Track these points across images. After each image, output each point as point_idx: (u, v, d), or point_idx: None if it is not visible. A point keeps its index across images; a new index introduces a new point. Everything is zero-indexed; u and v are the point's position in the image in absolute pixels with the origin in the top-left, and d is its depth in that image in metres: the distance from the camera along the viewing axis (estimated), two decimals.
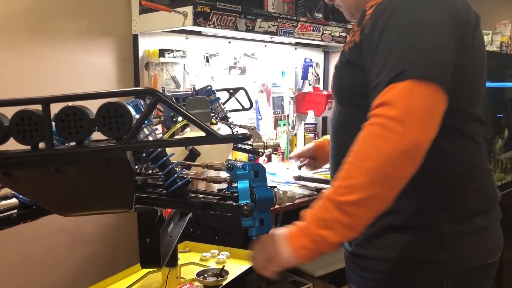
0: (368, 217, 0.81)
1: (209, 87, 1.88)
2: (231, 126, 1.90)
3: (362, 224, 0.81)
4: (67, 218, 1.77)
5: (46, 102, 0.45)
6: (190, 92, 1.90)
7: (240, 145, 1.61)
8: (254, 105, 2.23)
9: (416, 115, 0.78)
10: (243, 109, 2.18)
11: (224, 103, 2.01)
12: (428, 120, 0.80)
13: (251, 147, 1.61)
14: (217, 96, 1.90)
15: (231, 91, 2.04)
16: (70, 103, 0.47)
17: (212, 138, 0.46)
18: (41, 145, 0.48)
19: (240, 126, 1.95)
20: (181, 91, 2.03)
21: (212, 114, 1.89)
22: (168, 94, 1.92)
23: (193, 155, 0.97)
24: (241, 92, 2.00)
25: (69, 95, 0.46)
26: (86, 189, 0.54)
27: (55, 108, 0.48)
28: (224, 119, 1.88)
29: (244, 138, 0.48)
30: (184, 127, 1.42)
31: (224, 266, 1.54)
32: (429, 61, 0.82)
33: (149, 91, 0.47)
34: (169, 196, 0.59)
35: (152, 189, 0.64)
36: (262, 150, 1.58)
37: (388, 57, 0.83)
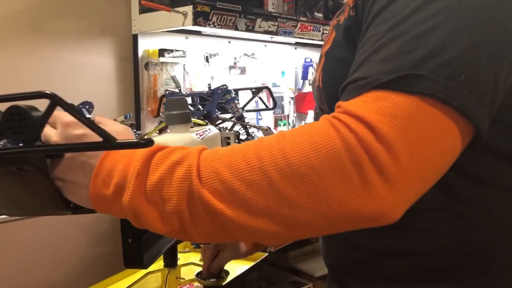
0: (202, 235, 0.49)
1: (225, 86, 1.88)
2: (247, 126, 1.91)
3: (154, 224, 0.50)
4: (68, 219, 1.77)
5: None
6: (206, 91, 1.91)
7: None
8: (254, 104, 2.23)
9: (414, 174, 0.46)
10: (267, 108, 2.17)
11: (247, 103, 2.01)
12: (425, 182, 0.48)
13: None
14: (233, 95, 1.91)
15: (254, 90, 2.04)
16: None
17: (108, 144, 0.47)
18: None
19: (254, 127, 1.96)
20: (196, 91, 2.04)
21: (226, 115, 1.90)
22: (184, 93, 1.93)
23: None
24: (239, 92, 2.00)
25: None
26: (12, 193, 0.55)
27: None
28: (240, 119, 1.89)
29: (146, 144, 0.47)
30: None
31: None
32: (472, 73, 0.47)
33: (44, 94, 0.47)
34: None
35: None
36: None
37: (402, 32, 0.48)
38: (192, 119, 1.00)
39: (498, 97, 0.50)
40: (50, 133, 0.55)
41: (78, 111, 0.47)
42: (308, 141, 0.46)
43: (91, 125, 0.47)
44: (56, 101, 0.46)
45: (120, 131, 0.56)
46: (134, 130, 1.62)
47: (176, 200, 0.48)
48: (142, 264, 0.81)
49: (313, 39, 2.29)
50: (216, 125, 1.80)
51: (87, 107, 0.70)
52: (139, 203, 0.49)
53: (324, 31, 2.31)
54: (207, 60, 2.22)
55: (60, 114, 0.53)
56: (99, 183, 0.51)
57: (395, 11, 0.50)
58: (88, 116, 0.56)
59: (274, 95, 2.03)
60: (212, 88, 1.91)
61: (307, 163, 0.45)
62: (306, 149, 0.45)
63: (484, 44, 0.48)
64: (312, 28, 2.25)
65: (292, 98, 2.68)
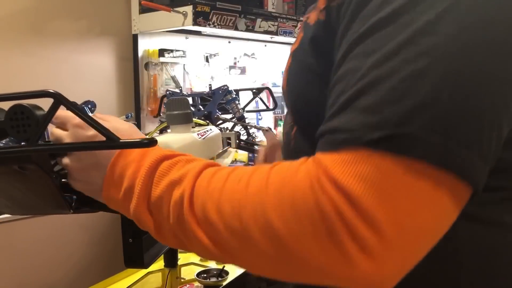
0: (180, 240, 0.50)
1: (226, 86, 1.88)
2: (248, 126, 1.91)
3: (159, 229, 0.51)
4: (68, 219, 1.77)
5: None
6: (207, 91, 1.92)
7: (256, 147, 1.62)
8: (254, 104, 2.23)
9: (403, 250, 0.41)
10: (268, 109, 2.18)
11: (248, 103, 2.01)
12: (416, 254, 0.43)
13: None
14: (234, 95, 1.91)
15: (255, 91, 2.05)
16: None
17: (111, 143, 0.47)
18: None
19: (255, 127, 1.96)
20: (197, 91, 2.04)
21: (227, 115, 1.90)
22: (185, 94, 1.93)
23: None
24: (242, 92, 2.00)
25: None
26: (14, 192, 0.55)
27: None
28: (241, 120, 1.89)
29: (149, 143, 0.48)
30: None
31: (224, 266, 1.54)
32: (473, 126, 0.40)
33: (48, 93, 0.47)
34: None
35: None
36: None
37: (388, 74, 0.41)
38: (194, 119, 1.00)
39: (501, 143, 0.43)
40: (62, 135, 0.55)
41: (82, 110, 0.47)
42: (289, 201, 0.42)
43: (95, 124, 0.47)
44: (59, 100, 0.46)
45: (125, 128, 0.57)
46: None
47: (172, 220, 0.49)
48: (143, 264, 0.81)
49: None
50: (217, 126, 1.80)
51: (89, 106, 0.70)
52: (142, 213, 0.50)
53: None
54: (207, 60, 2.22)
55: (69, 115, 0.54)
56: (111, 187, 0.53)
57: (381, 41, 0.42)
58: (90, 115, 0.56)
59: (274, 95, 2.04)
60: (213, 88, 1.91)
61: (287, 226, 0.42)
62: (286, 211, 0.42)
63: (489, 88, 0.40)
64: None
65: None
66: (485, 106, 0.40)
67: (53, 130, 0.57)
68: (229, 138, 1.53)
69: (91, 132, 0.53)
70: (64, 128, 0.56)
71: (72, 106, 0.47)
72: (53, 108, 0.47)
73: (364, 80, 0.42)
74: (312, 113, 0.49)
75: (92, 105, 0.70)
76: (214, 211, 0.46)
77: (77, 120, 0.54)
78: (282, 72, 0.64)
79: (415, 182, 0.40)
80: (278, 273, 0.45)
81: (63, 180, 0.58)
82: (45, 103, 0.50)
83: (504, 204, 0.50)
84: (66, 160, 0.55)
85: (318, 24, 0.52)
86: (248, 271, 0.48)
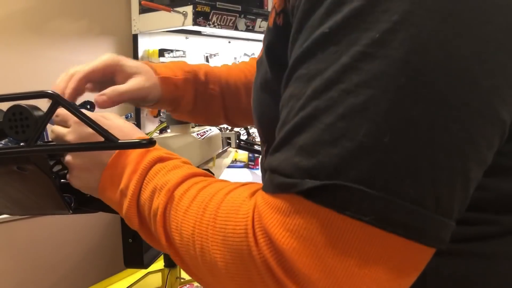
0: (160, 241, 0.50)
1: None
2: (248, 126, 1.90)
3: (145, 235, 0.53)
4: (68, 219, 1.77)
5: None
6: None
7: (256, 147, 1.62)
8: None
9: None
10: None
11: None
12: None
13: None
14: None
15: None
16: None
17: (110, 144, 0.47)
18: None
19: (253, 127, 1.96)
20: None
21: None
22: None
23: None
24: None
25: None
26: (14, 192, 0.56)
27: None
28: None
29: (148, 144, 0.48)
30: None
31: None
32: (426, 174, 0.33)
33: (46, 94, 0.48)
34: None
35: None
36: None
37: (327, 106, 0.35)
38: None
39: (471, 186, 0.35)
40: (63, 132, 0.55)
41: (80, 111, 0.47)
42: (229, 246, 0.40)
43: (93, 125, 0.47)
44: (57, 100, 0.47)
45: (127, 127, 0.57)
46: None
47: (152, 228, 0.50)
48: (142, 264, 0.81)
49: None
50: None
51: (88, 106, 0.70)
52: (133, 215, 0.51)
53: None
54: (207, 60, 2.22)
55: (70, 113, 0.55)
56: (109, 186, 0.53)
57: (323, 63, 0.35)
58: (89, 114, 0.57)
59: None
60: None
61: (227, 270, 0.41)
62: (227, 254, 0.40)
63: (444, 129, 0.33)
64: None
65: None
66: (440, 151, 0.33)
67: (53, 127, 0.57)
68: (229, 138, 1.53)
69: None
70: (66, 125, 0.56)
71: (70, 107, 0.47)
72: (52, 109, 0.47)
73: (303, 112, 0.36)
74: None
75: (91, 105, 0.70)
76: (177, 233, 0.46)
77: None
78: None
79: (349, 245, 0.34)
80: None
81: (62, 180, 0.58)
82: (45, 104, 0.50)
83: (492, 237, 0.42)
84: (68, 158, 0.55)
85: (274, 30, 0.44)
86: (203, 284, 0.50)
